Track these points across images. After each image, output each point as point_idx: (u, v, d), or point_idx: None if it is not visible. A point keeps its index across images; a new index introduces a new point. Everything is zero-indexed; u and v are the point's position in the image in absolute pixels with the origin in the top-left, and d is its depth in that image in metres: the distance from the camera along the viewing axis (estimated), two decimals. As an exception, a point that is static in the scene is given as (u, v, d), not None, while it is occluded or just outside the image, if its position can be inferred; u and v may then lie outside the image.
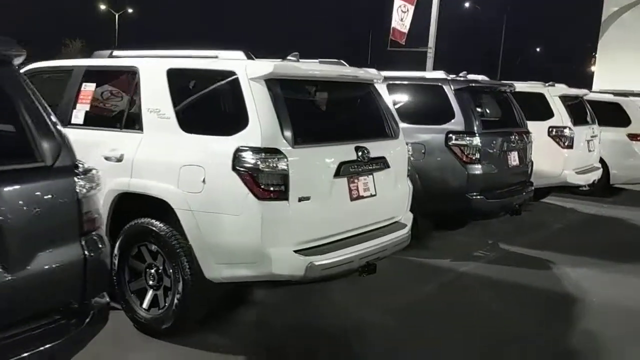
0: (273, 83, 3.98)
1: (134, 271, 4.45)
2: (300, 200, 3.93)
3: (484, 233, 7.98)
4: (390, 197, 4.78)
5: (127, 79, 4.61)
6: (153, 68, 4.50)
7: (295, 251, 3.92)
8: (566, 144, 8.91)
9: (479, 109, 6.70)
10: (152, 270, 4.33)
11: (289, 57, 4.55)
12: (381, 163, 4.63)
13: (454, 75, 7.07)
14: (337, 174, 4.20)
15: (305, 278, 3.93)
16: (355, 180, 4.38)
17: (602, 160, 11.12)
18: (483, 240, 7.75)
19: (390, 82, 7.01)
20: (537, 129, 8.91)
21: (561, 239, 8.16)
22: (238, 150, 3.84)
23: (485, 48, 53.77)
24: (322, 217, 4.12)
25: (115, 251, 4.43)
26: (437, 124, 6.57)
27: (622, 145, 11.16)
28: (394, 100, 6.91)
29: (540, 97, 9.17)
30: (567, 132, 8.91)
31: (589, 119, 9.89)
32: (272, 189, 3.81)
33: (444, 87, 6.61)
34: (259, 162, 3.78)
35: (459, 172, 6.39)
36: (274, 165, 3.80)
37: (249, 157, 3.81)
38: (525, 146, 7.33)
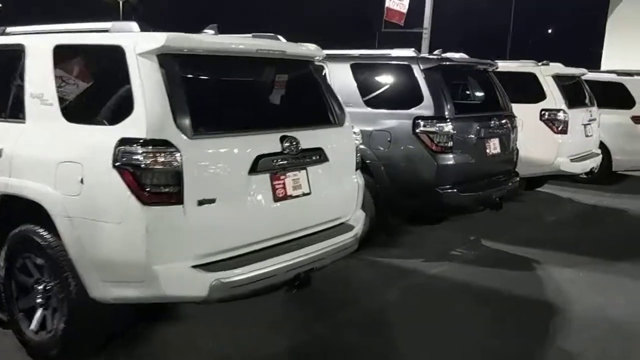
0: (168, 59, 3.24)
1: (22, 287, 3.75)
2: (200, 203, 3.20)
3: (467, 227, 7.22)
4: (331, 195, 4.04)
5: (15, 59, 3.88)
6: (39, 45, 3.77)
7: (196, 266, 3.19)
8: (560, 128, 8.10)
9: (452, 91, 5.90)
10: (40, 287, 3.63)
11: (205, 30, 3.80)
12: (317, 155, 3.88)
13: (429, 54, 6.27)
14: (254, 169, 3.46)
15: (210, 299, 3.21)
16: (281, 177, 3.64)
17: (603, 146, 10.34)
18: (464, 235, 7.00)
19: (355, 61, 6.23)
20: (528, 112, 8.14)
21: (552, 234, 7.38)
22: (119, 143, 3.11)
23: (492, 29, 52.49)
24: (234, 223, 3.39)
25: (2, 263, 3.75)
26: (404, 109, 5.80)
27: (625, 128, 10.34)
28: (359, 81, 6.14)
29: (532, 77, 8.35)
30: (560, 115, 8.09)
31: (587, 100, 9.06)
32: (160, 190, 3.08)
33: (411, 66, 5.83)
34: (142, 158, 3.05)
35: (427, 163, 5.63)
36: (163, 161, 3.07)
37: (131, 152, 3.08)
38: (509, 132, 6.54)
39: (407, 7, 17.96)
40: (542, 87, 8.23)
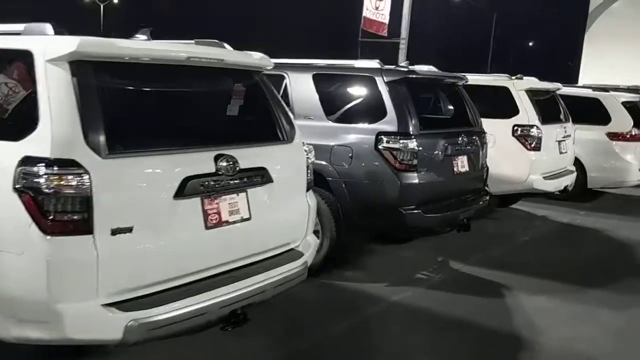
0: (82, 67, 2.84)
1: None
2: (114, 233, 2.80)
3: (436, 247, 6.88)
4: (275, 219, 3.66)
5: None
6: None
7: (108, 305, 2.79)
8: (532, 145, 7.81)
9: (418, 106, 5.57)
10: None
11: (136, 35, 3.41)
12: (259, 176, 3.50)
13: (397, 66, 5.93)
14: (181, 193, 3.06)
15: (126, 341, 2.81)
16: (215, 201, 3.25)
17: (578, 162, 10.10)
18: (433, 256, 6.65)
19: (317, 72, 5.87)
20: (500, 127, 7.85)
21: (524, 255, 7.07)
22: (20, 163, 2.70)
23: (476, 44, 52.70)
24: (156, 255, 2.99)
25: None
26: (366, 123, 5.45)
27: (601, 145, 10.10)
28: (321, 93, 5.77)
29: (504, 91, 8.06)
30: (533, 131, 7.81)
31: (561, 116, 8.79)
32: (65, 218, 2.67)
33: (375, 78, 5.48)
34: (44, 180, 2.64)
35: (390, 182, 5.27)
36: (69, 184, 2.66)
37: (32, 173, 2.68)
38: (478, 149, 6.21)
39: (387, 17, 17.71)
40: (515, 102, 7.95)
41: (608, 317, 5.20)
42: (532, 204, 9.67)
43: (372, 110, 5.47)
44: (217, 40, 3.82)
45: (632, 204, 10.85)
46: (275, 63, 6.39)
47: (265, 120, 3.77)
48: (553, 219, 9.12)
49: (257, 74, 3.83)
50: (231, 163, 3.29)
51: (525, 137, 7.80)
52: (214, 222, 3.23)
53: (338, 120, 5.59)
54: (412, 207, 5.31)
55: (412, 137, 5.28)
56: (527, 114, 7.86)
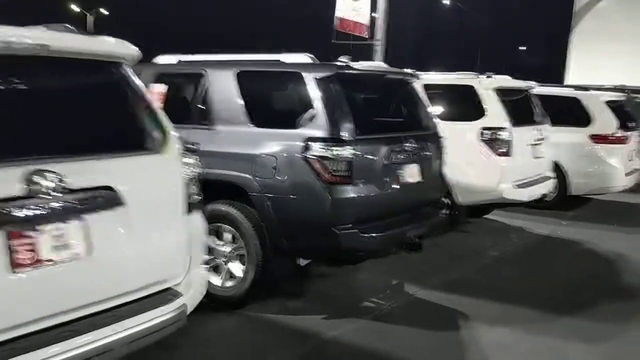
0: None
1: None
2: None
3: (393, 267, 6.05)
4: (132, 254, 2.81)
5: None
6: None
7: None
8: (502, 150, 6.99)
9: (356, 107, 4.75)
10: None
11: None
12: (100, 198, 2.65)
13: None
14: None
15: None
16: (28, 234, 2.40)
17: (559, 168, 9.32)
18: (386, 279, 5.84)
19: (240, 69, 5.04)
20: (466, 131, 7.05)
21: (492, 275, 6.24)
22: None
23: (465, 46, 52.03)
24: None
25: None
26: (293, 128, 4.61)
27: (582, 148, 9.33)
28: (244, 94, 4.94)
29: (470, 91, 7.25)
30: (502, 135, 7.00)
31: (535, 117, 7.98)
32: None
33: (303, 75, 4.65)
34: None
35: (320, 196, 4.44)
36: None
37: None
38: (433, 156, 5.39)
39: (368, 17, 16.91)
40: (481, 103, 7.14)
41: (579, 353, 4.37)
42: (510, 213, 8.85)
43: (300, 113, 4.64)
44: (67, 25, 2.98)
45: (619, 211, 10.05)
46: (193, 60, 5.62)
47: (118, 124, 2.93)
48: (530, 231, 8.31)
49: (113, 65, 2.98)
50: (55, 181, 2.45)
51: (493, 142, 6.99)
52: (26, 261, 2.39)
53: (262, 125, 4.76)
54: (348, 226, 4.48)
55: (346, 143, 4.45)
56: (495, 115, 7.05)
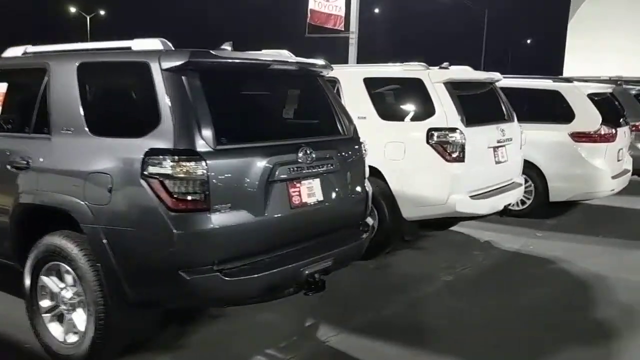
0: None
1: None
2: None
3: (311, 301, 4.87)
4: None
5: None
6: None
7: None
8: (453, 155, 5.83)
9: (222, 107, 3.60)
10: None
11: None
12: None
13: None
14: None
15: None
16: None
17: (537, 170, 8.18)
18: (299, 318, 4.72)
19: (84, 60, 3.90)
20: (411, 133, 5.92)
21: (435, 310, 5.11)
22: None
23: (471, 42, 50.76)
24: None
25: None
26: (133, 137, 3.46)
27: (563, 148, 8.18)
28: (86, 92, 3.82)
29: (417, 84, 6.08)
30: (454, 136, 5.83)
31: (500, 115, 6.80)
32: None
33: (150, 65, 3.50)
34: None
35: (161, 229, 3.30)
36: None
37: None
38: (344, 168, 4.23)
39: (343, 8, 15.83)
40: (430, 98, 5.96)
41: None
42: (480, 223, 7.72)
43: (144, 116, 3.50)
44: None
45: (608, 217, 8.87)
46: (37, 51, 4.49)
47: None
48: (498, 245, 7.15)
49: None
50: None
51: (443, 145, 5.82)
52: None
53: (101, 133, 3.62)
54: (205, 267, 3.34)
55: (200, 156, 3.31)
56: (446, 113, 5.88)
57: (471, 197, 5.93)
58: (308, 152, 3.88)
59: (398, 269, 6.10)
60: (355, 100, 6.26)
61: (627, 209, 9.35)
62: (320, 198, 4.00)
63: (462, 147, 5.80)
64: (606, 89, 8.94)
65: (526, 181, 8.29)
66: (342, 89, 6.42)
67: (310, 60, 4.30)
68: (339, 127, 4.42)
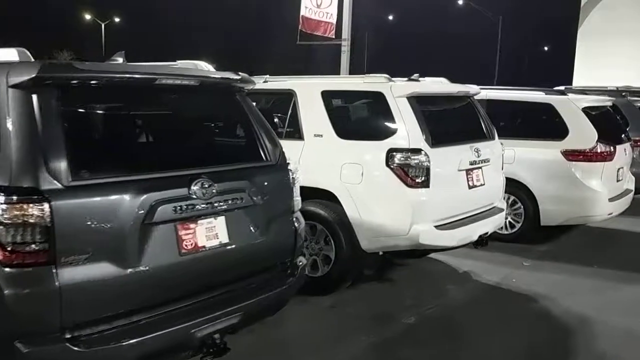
0: None
1: None
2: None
3: (259, 350, 4.18)
4: None
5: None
6: None
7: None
8: (416, 179, 5.09)
9: (84, 131, 2.90)
10: None
11: None
12: None
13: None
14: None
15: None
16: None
17: (528, 191, 7.43)
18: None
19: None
20: (370, 154, 5.20)
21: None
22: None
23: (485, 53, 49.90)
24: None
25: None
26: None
27: (555, 167, 7.42)
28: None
29: (378, 99, 5.34)
30: (417, 159, 5.09)
31: (475, 133, 6.04)
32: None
33: (-3, 80, 2.81)
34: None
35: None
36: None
37: None
38: (262, 202, 3.51)
39: (335, 16, 15.19)
40: (392, 115, 5.23)
41: None
42: (463, 250, 6.89)
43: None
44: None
45: (606, 243, 8.05)
46: None
47: None
48: (477, 277, 6.40)
49: None
50: None
51: (404, 168, 5.08)
52: None
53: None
54: (48, 336, 2.63)
55: (42, 196, 2.61)
56: (408, 132, 5.14)
57: (437, 227, 5.18)
58: (206, 185, 3.16)
59: (355, 307, 5.36)
60: (312, 116, 5.57)
61: (629, 232, 8.53)
62: (225, 240, 3.29)
63: (427, 171, 5.06)
64: (605, 102, 8.15)
65: (515, 203, 7.59)
66: (298, 103, 5.72)
67: (223, 73, 3.58)
68: (261, 153, 3.70)
